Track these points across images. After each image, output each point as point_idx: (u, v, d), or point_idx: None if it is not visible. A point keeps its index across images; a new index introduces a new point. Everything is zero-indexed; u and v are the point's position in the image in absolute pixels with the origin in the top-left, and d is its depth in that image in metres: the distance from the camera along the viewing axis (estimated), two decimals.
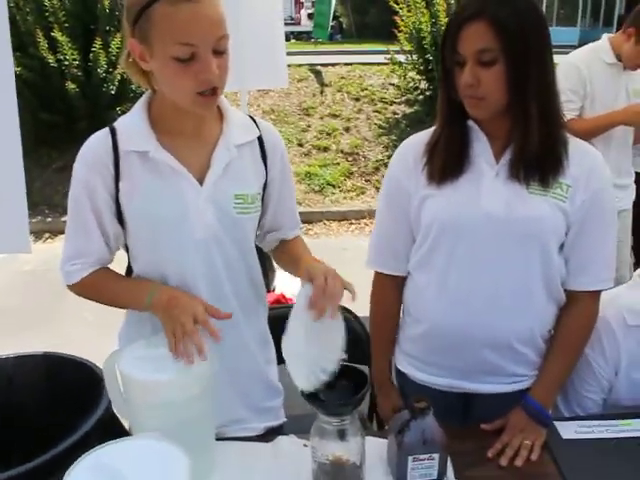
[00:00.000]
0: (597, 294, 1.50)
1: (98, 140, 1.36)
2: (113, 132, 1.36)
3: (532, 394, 1.49)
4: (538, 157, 1.39)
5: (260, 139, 1.44)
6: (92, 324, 4.06)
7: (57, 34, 6.93)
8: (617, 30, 2.95)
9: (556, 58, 1.44)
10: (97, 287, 1.43)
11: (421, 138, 1.53)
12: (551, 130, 1.39)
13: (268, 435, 1.51)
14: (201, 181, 1.36)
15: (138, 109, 1.38)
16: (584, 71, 2.85)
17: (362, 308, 1.68)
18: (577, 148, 1.44)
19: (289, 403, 1.62)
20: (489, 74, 1.34)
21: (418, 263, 1.55)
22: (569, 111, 2.80)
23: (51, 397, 1.55)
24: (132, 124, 1.37)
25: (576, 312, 1.49)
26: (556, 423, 1.51)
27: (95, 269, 1.42)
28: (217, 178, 1.36)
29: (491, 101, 1.37)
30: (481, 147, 1.45)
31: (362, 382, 1.20)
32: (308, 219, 6.43)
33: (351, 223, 6.64)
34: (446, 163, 1.45)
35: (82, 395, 1.40)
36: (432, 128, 1.52)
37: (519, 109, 1.37)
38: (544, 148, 1.38)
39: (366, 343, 1.75)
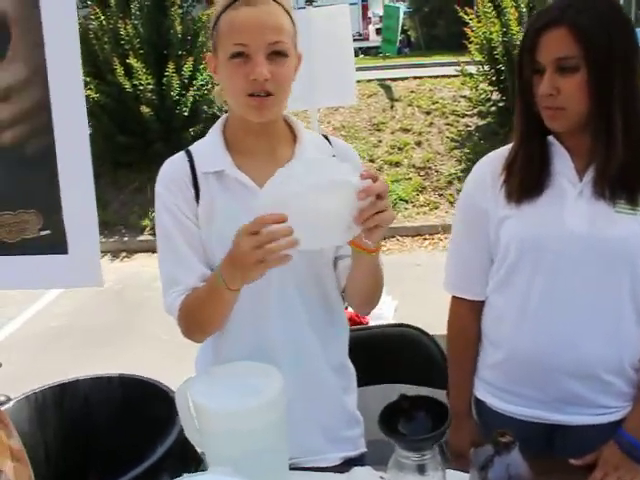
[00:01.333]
0: None
1: (175, 163, 1.39)
2: (189, 155, 1.38)
3: (626, 427, 1.38)
4: (624, 173, 1.30)
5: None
6: (166, 342, 4.13)
7: (132, 61, 7.21)
8: None
9: None
10: (190, 307, 1.33)
11: (498, 155, 1.47)
12: (638, 142, 1.30)
13: (345, 466, 1.44)
14: None
15: (213, 132, 1.41)
16: None
17: (437, 327, 1.63)
18: None
19: (370, 429, 1.53)
20: (570, 83, 1.27)
21: (497, 286, 1.48)
22: None
23: (124, 418, 1.57)
24: (208, 146, 1.40)
25: None
26: None
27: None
28: None
29: (571, 112, 1.30)
30: (562, 164, 1.38)
31: (443, 413, 1.14)
32: None
33: (425, 238, 6.56)
34: (525, 181, 1.38)
35: (155, 418, 1.40)
36: (509, 145, 1.46)
37: (601, 120, 1.29)
38: (630, 162, 1.30)
39: (442, 365, 1.68)
